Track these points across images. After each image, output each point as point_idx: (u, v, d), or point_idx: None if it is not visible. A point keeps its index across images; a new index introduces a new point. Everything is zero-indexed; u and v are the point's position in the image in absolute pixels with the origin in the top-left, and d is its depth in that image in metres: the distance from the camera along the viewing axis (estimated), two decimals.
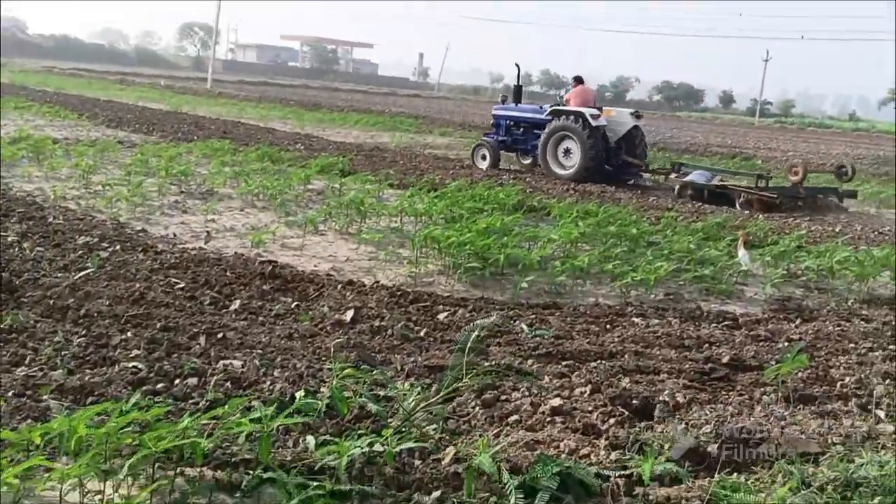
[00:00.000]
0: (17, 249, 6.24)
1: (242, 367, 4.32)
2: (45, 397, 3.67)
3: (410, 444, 3.22)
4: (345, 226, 8.44)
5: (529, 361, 4.84)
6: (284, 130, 20.79)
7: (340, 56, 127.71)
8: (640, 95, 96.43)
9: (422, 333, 5.21)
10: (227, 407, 3.52)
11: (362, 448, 3.18)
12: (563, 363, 4.86)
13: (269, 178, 10.66)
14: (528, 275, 6.65)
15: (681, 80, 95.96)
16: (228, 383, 4.08)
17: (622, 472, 3.29)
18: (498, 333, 5.34)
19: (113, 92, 32.77)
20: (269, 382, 4.13)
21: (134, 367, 4.15)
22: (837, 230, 10.73)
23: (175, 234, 7.47)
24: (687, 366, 4.96)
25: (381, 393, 4.04)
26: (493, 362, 4.70)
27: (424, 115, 32.78)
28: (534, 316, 5.80)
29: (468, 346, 3.84)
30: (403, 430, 3.62)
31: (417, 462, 3.41)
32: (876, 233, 10.81)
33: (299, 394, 3.88)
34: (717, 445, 3.71)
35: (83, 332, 4.58)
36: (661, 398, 4.31)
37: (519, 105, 16.17)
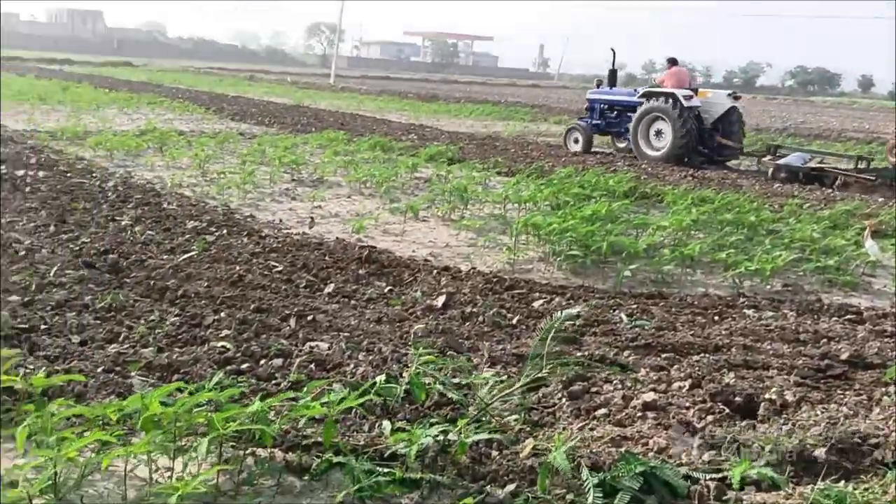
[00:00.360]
0: (128, 233, 6.49)
1: (329, 349, 4.28)
2: (132, 374, 3.73)
3: (485, 435, 3.05)
4: (447, 212, 8.34)
5: (626, 353, 4.57)
6: (399, 121, 20.96)
7: (461, 50, 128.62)
8: (772, 81, 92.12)
9: (514, 321, 5.04)
10: (306, 389, 3.51)
11: (434, 436, 3.05)
12: (663, 356, 4.57)
13: (377, 166, 10.71)
14: (632, 263, 6.34)
15: (816, 65, 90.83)
16: (313, 365, 4.05)
17: (713, 475, 3.02)
18: (595, 323, 5.09)
19: (242, 88, 34.10)
20: (352, 365, 4.07)
21: (222, 346, 4.18)
22: None
23: (281, 220, 7.58)
24: (800, 362, 4.57)
25: (464, 380, 3.91)
26: (587, 353, 4.48)
27: (541, 105, 32.36)
28: (636, 306, 5.50)
29: (551, 334, 3.62)
30: (482, 419, 3.48)
31: (494, 453, 3.25)
32: None
33: (380, 378, 3.81)
34: (825, 449, 3.37)
35: (178, 312, 4.67)
36: (767, 396, 3.97)
37: (613, 89, 16.26)
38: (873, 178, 11.87)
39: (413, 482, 2.99)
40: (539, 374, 3.81)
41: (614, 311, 5.37)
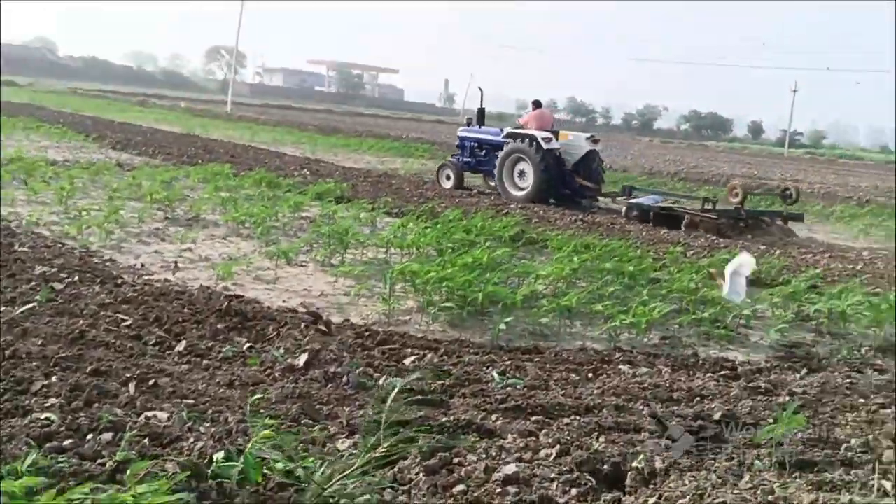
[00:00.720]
0: None
1: (168, 420, 3.88)
2: None
3: None
4: (327, 257, 8.02)
5: (494, 416, 4.35)
6: (294, 155, 20.54)
7: (366, 81, 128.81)
8: (668, 124, 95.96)
9: (381, 381, 4.75)
10: (129, 471, 3.12)
11: None
12: (533, 419, 4.37)
13: (257, 204, 10.29)
14: (511, 314, 6.18)
15: (709, 110, 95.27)
16: (147, 439, 3.63)
17: None
18: (466, 382, 4.86)
19: (131, 114, 32.92)
20: (192, 439, 3.68)
21: (47, 418, 3.72)
22: (858, 268, 10.13)
23: (143, 265, 7.10)
24: (673, 423, 4.46)
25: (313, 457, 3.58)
26: (453, 417, 4.23)
27: (443, 141, 32.45)
28: (510, 362, 5.31)
29: (390, 402, 3.36)
30: (328, 502, 3.17)
31: None
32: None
33: (218, 455, 3.46)
34: None
35: (4, 375, 4.17)
36: (634, 464, 3.80)
37: (482, 127, 16.60)
38: (715, 217, 12.46)
39: None
40: (387, 448, 3.54)
41: (488, 368, 5.17)
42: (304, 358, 4.93)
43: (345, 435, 3.94)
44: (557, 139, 14.93)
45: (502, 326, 5.78)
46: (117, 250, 7.70)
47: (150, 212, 9.78)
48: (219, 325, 5.47)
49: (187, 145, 19.76)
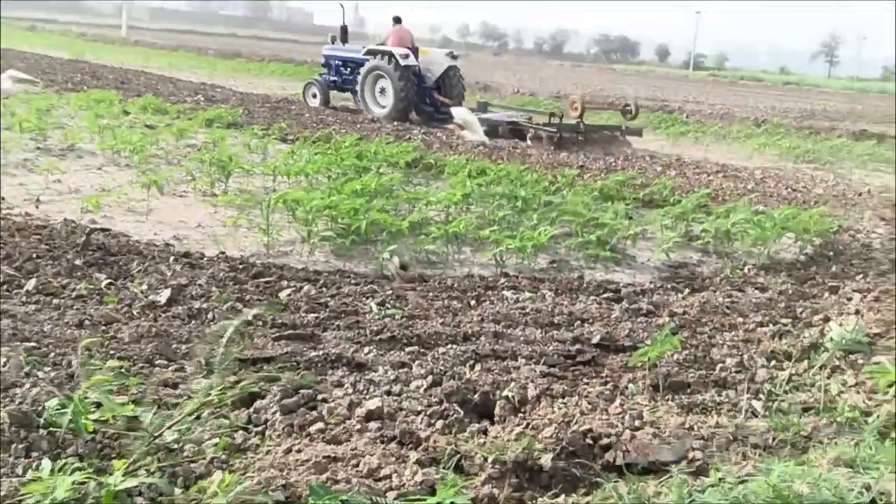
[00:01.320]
0: None
1: (4, 365, 3.55)
2: None
3: (137, 480, 2.50)
4: (209, 187, 7.60)
5: (368, 349, 4.17)
6: (190, 80, 19.57)
7: (274, 4, 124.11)
8: (579, 48, 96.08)
9: (250, 316, 4.48)
10: None
11: (78, 483, 2.47)
12: (408, 350, 4.21)
13: (136, 132, 9.68)
14: (397, 243, 5.97)
15: (618, 33, 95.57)
16: None
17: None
18: (342, 314, 4.66)
19: (16, 40, 30.67)
20: (28, 385, 3.36)
21: None
22: (749, 187, 10.29)
23: (3, 198, 6.54)
24: (551, 348, 4.38)
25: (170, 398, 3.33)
26: (322, 351, 4.03)
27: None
28: (391, 291, 5.12)
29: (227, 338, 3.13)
30: (172, 447, 2.95)
31: (178, 492, 2.73)
32: (789, 190, 10.42)
33: (50, 403, 3.17)
34: (552, 455, 3.11)
35: None
36: (505, 392, 3.69)
37: (346, 45, 16.50)
38: (553, 130, 12.90)
39: None
40: (241, 388, 3.32)
41: (367, 298, 4.96)
42: (166, 294, 4.62)
43: (202, 375, 3.69)
44: (417, 56, 14.92)
45: (386, 255, 5.56)
46: None
47: (21, 142, 9.08)
48: (76, 262, 5.08)
49: (74, 71, 18.57)
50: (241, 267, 5.34)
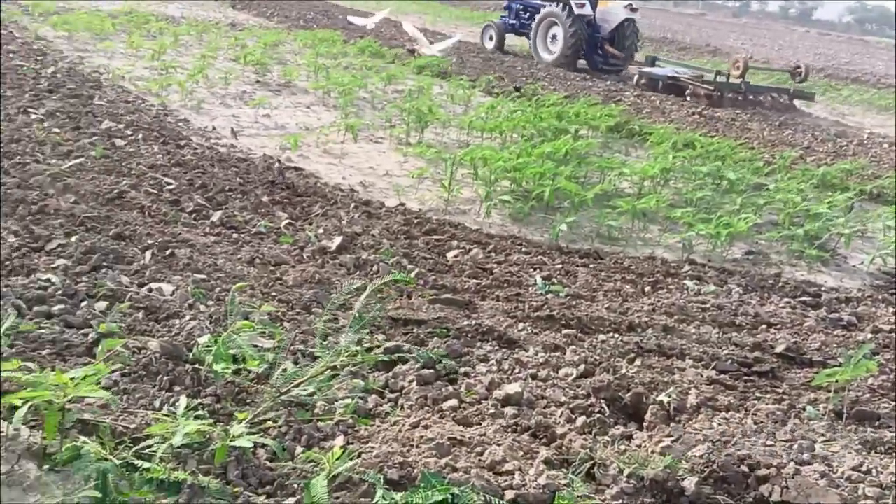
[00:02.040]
0: (32, 128, 5.89)
1: (171, 294, 3.72)
2: None
3: (249, 441, 2.48)
4: (406, 135, 7.64)
5: (522, 325, 3.98)
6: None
7: None
8: (830, 15, 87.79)
9: (413, 274, 4.42)
10: (99, 348, 2.97)
11: (196, 431, 2.50)
12: (564, 332, 3.96)
13: (348, 74, 9.94)
14: (580, 214, 5.67)
15: (877, 3, 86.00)
16: (140, 313, 3.48)
17: None
18: (504, 283, 4.48)
19: None
20: (188, 317, 3.50)
21: (48, 279, 3.63)
22: None
23: (214, 128, 6.93)
24: (725, 352, 3.96)
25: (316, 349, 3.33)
26: (475, 321, 3.88)
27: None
28: (561, 266, 4.86)
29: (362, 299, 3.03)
30: (304, 403, 2.94)
31: (299, 450, 2.72)
32: None
33: (202, 339, 3.27)
34: (697, 479, 2.79)
35: (23, 231, 4.11)
36: (660, 397, 3.36)
37: None
38: (712, 88, 12.70)
39: (173, 484, 2.47)
40: (380, 353, 3.25)
41: (535, 270, 4.75)
42: (337, 241, 4.66)
43: (352, 330, 3.67)
44: (596, 6, 14.93)
45: (563, 227, 5.29)
46: (195, 111, 7.59)
47: (245, 74, 9.62)
48: (263, 198, 5.26)
49: (308, 9, 19.45)
50: (416, 221, 5.30)
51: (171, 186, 5.17)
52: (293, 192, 5.49)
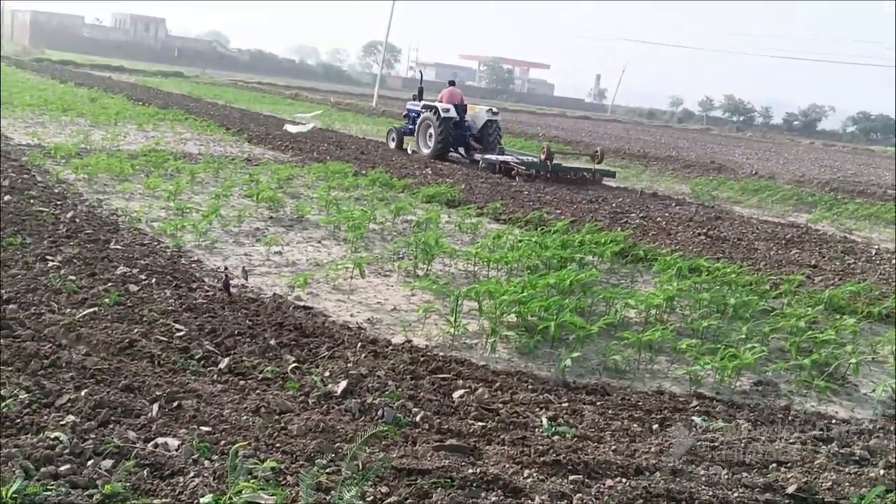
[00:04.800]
0: (49, 277, 6.06)
1: (177, 449, 3.74)
2: None
3: None
4: (413, 268, 7.79)
5: (528, 472, 3.95)
6: (424, 152, 20.56)
7: (517, 76, 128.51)
8: (834, 125, 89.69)
9: (418, 418, 4.44)
10: None
11: None
12: (571, 478, 3.93)
13: (358, 207, 10.22)
14: (586, 346, 5.70)
15: (880, 112, 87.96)
16: (146, 470, 3.50)
17: None
18: (511, 425, 4.48)
19: (281, 107, 34.10)
20: (191, 474, 3.51)
21: (56, 437, 3.67)
22: None
23: (226, 268, 7.10)
24: (736, 494, 3.90)
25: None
26: (479, 469, 3.86)
27: (580, 140, 31.65)
28: (567, 404, 4.86)
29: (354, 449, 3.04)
30: None
31: None
32: None
33: (204, 499, 3.28)
34: None
35: (34, 387, 4.18)
36: None
37: (420, 102, 20.65)
38: (525, 168, 16.77)
39: None
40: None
41: (541, 410, 4.74)
42: (343, 385, 4.70)
43: (358, 483, 3.66)
44: (465, 111, 19.49)
45: (568, 362, 5.31)
46: (209, 251, 7.80)
47: (258, 211, 9.92)
48: (271, 341, 5.34)
49: (321, 141, 20.14)
50: (422, 359, 5.35)
51: (181, 333, 5.26)
52: (301, 333, 5.58)
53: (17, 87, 25.18)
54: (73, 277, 6.15)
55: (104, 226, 8.04)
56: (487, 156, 18.07)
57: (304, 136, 20.46)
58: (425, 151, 19.26)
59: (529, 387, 5.11)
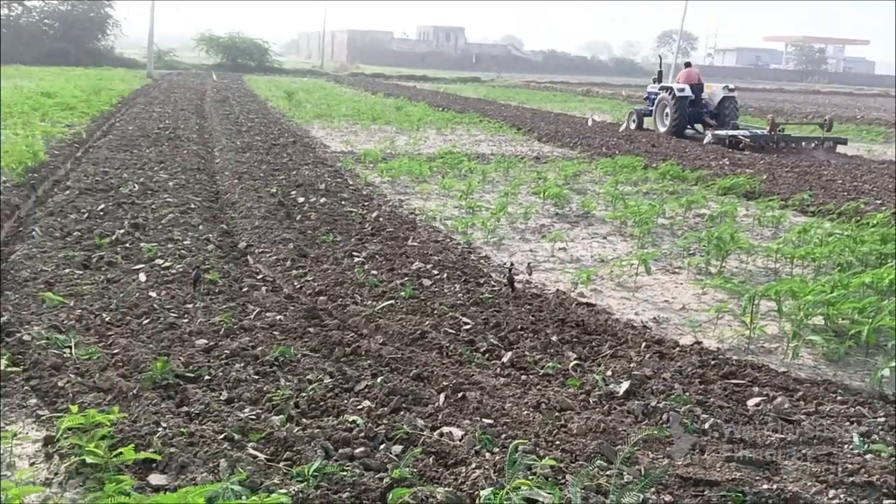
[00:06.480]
0: (355, 272, 6.60)
1: (460, 439, 3.86)
2: (248, 446, 3.65)
3: None
4: (704, 265, 7.36)
5: (834, 492, 3.52)
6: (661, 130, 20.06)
7: (830, 55, 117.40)
8: None
9: (706, 425, 4.15)
10: (390, 497, 3.17)
11: None
12: (886, 502, 3.43)
13: (647, 201, 9.89)
14: None
15: None
16: (431, 458, 3.65)
17: None
18: (813, 440, 4.02)
19: (571, 104, 34.28)
20: (473, 465, 3.60)
21: (353, 421, 3.96)
22: None
23: (511, 264, 7.24)
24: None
25: None
26: (774, 485, 3.51)
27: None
28: (884, 419, 4.26)
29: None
30: None
31: None
32: None
33: (483, 492, 3.33)
34: None
35: (337, 373, 4.55)
36: None
37: (659, 84, 21.93)
38: (750, 140, 17.46)
39: None
40: None
41: (851, 423, 4.21)
42: (625, 385, 4.54)
43: (629, 490, 3.50)
44: (702, 90, 20.39)
45: (886, 372, 4.66)
46: (496, 247, 8.01)
47: (544, 208, 10.02)
48: (553, 337, 5.33)
49: (610, 136, 19.90)
50: (713, 363, 5.01)
51: (467, 326, 5.45)
52: (583, 330, 5.50)
53: (335, 101, 27.97)
54: (374, 272, 6.65)
55: (403, 224, 8.59)
56: (717, 132, 18.68)
57: (592, 132, 20.37)
58: (662, 129, 20.47)
59: (838, 398, 4.56)
